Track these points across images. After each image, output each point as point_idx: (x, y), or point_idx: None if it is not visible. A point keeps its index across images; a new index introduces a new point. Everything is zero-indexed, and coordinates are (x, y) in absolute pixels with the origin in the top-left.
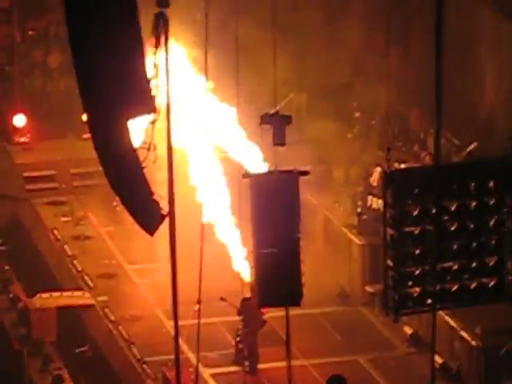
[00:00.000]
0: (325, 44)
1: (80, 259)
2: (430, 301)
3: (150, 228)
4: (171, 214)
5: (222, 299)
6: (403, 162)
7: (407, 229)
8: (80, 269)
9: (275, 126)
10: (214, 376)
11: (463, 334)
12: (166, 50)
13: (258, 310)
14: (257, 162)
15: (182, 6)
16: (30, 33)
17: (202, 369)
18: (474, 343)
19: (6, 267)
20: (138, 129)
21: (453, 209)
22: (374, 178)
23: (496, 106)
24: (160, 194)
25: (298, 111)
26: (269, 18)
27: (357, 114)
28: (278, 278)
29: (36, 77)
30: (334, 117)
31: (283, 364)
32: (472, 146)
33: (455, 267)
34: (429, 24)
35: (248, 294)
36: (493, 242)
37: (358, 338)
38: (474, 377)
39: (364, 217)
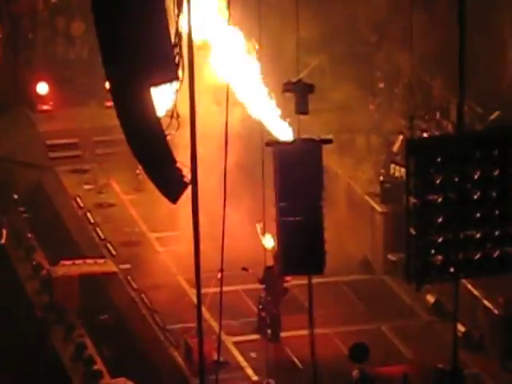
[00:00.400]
0: (348, 7)
1: (103, 227)
2: (452, 269)
3: (173, 196)
4: (194, 181)
5: (244, 269)
6: (426, 130)
7: (430, 197)
8: (103, 237)
9: (298, 94)
10: (236, 344)
11: (486, 302)
12: (189, 17)
13: (280, 278)
14: (283, 128)
15: None
16: (53, 0)
17: (224, 337)
18: (496, 312)
19: (29, 235)
20: (161, 96)
21: (476, 177)
22: (397, 147)
23: None
24: (183, 161)
25: (320, 78)
26: None
27: (381, 85)
28: (301, 246)
29: (58, 45)
30: (357, 84)
31: (306, 332)
32: (495, 115)
33: (478, 236)
34: None
35: (271, 262)
36: None
37: (381, 306)
38: (497, 345)
39: (387, 185)
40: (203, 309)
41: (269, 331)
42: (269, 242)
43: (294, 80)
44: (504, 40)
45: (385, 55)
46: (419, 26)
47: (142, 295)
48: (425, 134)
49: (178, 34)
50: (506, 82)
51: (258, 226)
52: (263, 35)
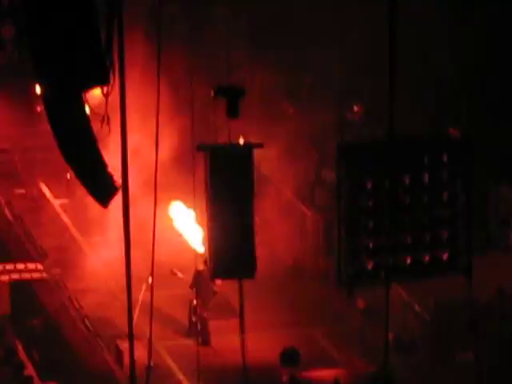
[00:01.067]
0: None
1: (33, 231)
2: (383, 274)
3: (104, 200)
4: (124, 186)
5: (173, 273)
6: (356, 135)
7: (361, 202)
8: (33, 241)
9: (229, 98)
10: (167, 348)
11: (416, 307)
12: (120, 21)
13: (211, 282)
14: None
15: None
16: None
17: (155, 341)
18: (426, 316)
19: None
20: (92, 100)
21: (407, 182)
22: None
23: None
24: (113, 166)
25: (250, 82)
26: None
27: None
28: (232, 250)
29: None
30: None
31: (237, 336)
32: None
33: (409, 240)
34: None
35: (201, 266)
36: (446, 215)
37: (312, 311)
38: (427, 349)
39: (318, 189)
40: (134, 313)
41: (199, 335)
42: (199, 245)
43: (225, 84)
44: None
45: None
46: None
47: (73, 300)
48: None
49: (109, 36)
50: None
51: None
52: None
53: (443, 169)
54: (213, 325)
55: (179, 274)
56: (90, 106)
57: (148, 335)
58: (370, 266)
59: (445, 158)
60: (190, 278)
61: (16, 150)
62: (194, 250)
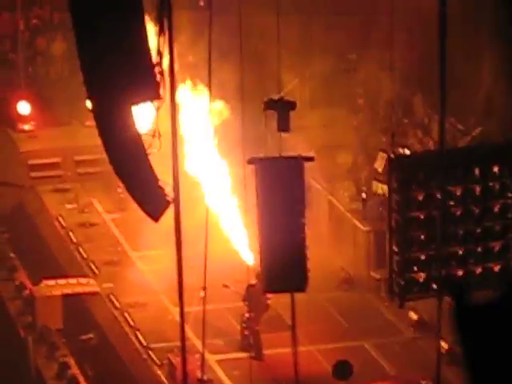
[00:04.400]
0: (328, 28)
1: (85, 246)
2: (435, 286)
3: (155, 214)
4: (176, 200)
5: (225, 286)
6: (407, 147)
7: (412, 214)
8: (85, 256)
9: (279, 111)
10: (219, 362)
11: None
12: (170, 36)
13: (262, 295)
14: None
15: None
16: (34, 21)
17: (207, 355)
18: None
19: (12, 255)
20: (143, 115)
21: (458, 194)
22: (379, 164)
23: (495, 90)
24: (165, 180)
25: (301, 97)
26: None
27: (360, 101)
28: (284, 263)
29: (40, 64)
30: (338, 103)
31: (289, 350)
32: (476, 131)
33: (460, 252)
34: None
35: (253, 280)
36: (498, 226)
37: (364, 324)
38: None
39: (369, 202)
40: (186, 327)
41: (252, 349)
42: (251, 259)
43: (276, 97)
44: (479, 54)
45: (365, 74)
46: (399, 42)
47: (125, 314)
48: (406, 151)
49: (159, 53)
50: (483, 97)
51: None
52: (244, 53)
53: (494, 180)
54: (265, 338)
55: (232, 288)
56: (140, 121)
57: (200, 349)
58: (421, 278)
59: (495, 169)
60: (242, 291)
61: (68, 164)
62: (246, 264)
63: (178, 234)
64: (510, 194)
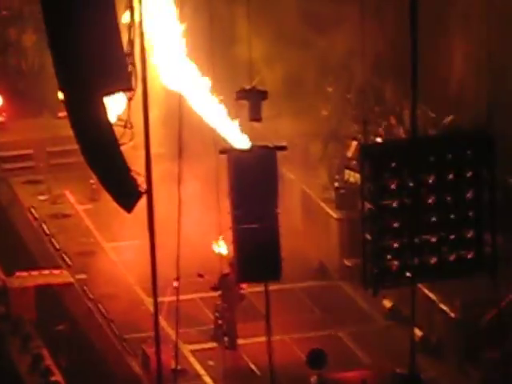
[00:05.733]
0: (299, 17)
1: (58, 237)
2: (408, 274)
3: (128, 205)
4: (149, 190)
5: (200, 275)
6: (379, 135)
7: (385, 202)
8: (58, 247)
9: (251, 101)
10: (193, 352)
11: (442, 306)
12: (142, 27)
13: (236, 285)
14: (238, 137)
15: None
16: (4, 12)
17: (181, 345)
18: (453, 315)
19: None
20: (114, 106)
21: (430, 182)
22: (351, 152)
23: (467, 78)
24: (138, 170)
25: (272, 86)
26: None
27: (330, 89)
28: (258, 253)
29: (10, 56)
30: (310, 92)
31: (263, 339)
32: (448, 119)
33: (433, 240)
34: None
35: (227, 270)
36: (470, 214)
37: (338, 312)
38: (454, 349)
39: (341, 191)
40: (160, 317)
41: (226, 339)
42: (224, 249)
43: (247, 87)
44: (450, 42)
45: (336, 62)
46: (369, 30)
47: (99, 305)
48: (378, 139)
49: (131, 43)
50: (454, 85)
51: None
52: (215, 42)
53: (467, 167)
54: (239, 328)
55: (206, 277)
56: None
57: (174, 339)
58: (394, 266)
59: (468, 157)
60: (216, 280)
61: (40, 155)
62: (220, 253)
63: (151, 225)
64: (482, 182)
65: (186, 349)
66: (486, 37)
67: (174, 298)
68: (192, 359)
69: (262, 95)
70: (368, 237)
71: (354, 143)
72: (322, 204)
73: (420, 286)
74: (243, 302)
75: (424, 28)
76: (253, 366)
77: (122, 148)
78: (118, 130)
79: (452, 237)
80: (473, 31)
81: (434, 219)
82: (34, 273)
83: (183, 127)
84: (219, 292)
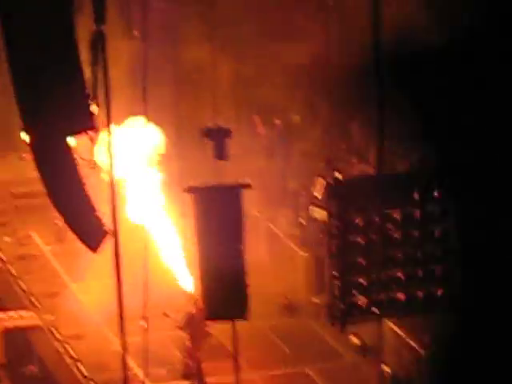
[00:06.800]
0: (262, 57)
1: (25, 279)
2: (376, 310)
3: (93, 245)
4: (115, 230)
5: (165, 315)
6: (343, 172)
7: (352, 239)
8: (25, 288)
9: (216, 140)
10: None
11: (411, 342)
12: (105, 67)
13: (202, 323)
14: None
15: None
16: None
17: None
18: (422, 352)
19: None
20: (79, 146)
21: (397, 218)
22: (317, 189)
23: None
24: (102, 210)
25: (237, 122)
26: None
27: (296, 118)
28: (224, 291)
29: None
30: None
31: (232, 377)
32: (415, 156)
33: (401, 276)
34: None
35: (192, 308)
36: (438, 251)
37: (306, 349)
38: None
39: (307, 228)
40: (128, 357)
41: (194, 378)
42: (191, 287)
43: (211, 126)
44: None
45: (301, 99)
46: (335, 65)
47: (66, 346)
48: (344, 177)
49: (94, 83)
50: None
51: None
52: (180, 82)
53: (434, 203)
54: (207, 366)
55: (171, 316)
56: (77, 152)
57: (143, 378)
58: (362, 302)
59: (435, 193)
60: (182, 319)
61: (5, 197)
62: (186, 292)
63: (118, 265)
64: (449, 218)
65: None
66: None
67: (141, 337)
68: None
69: (227, 133)
70: (335, 273)
71: (320, 180)
72: (288, 241)
73: (388, 321)
74: (210, 340)
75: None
76: None
77: (87, 188)
78: (82, 170)
79: (420, 273)
80: None
81: (400, 255)
82: (2, 315)
83: None
84: (186, 331)
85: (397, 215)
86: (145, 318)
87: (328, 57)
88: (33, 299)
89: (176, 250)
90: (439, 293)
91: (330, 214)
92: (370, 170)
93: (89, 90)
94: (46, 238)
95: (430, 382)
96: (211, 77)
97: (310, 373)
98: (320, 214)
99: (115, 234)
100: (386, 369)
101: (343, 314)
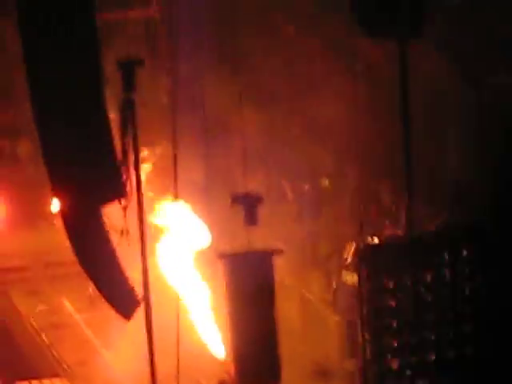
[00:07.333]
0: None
1: (57, 347)
2: (409, 372)
3: (127, 314)
4: (146, 298)
5: (199, 383)
6: (375, 235)
7: (383, 302)
8: (57, 356)
9: (246, 206)
10: None
11: None
12: (134, 135)
13: None
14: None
15: (147, 90)
16: None
17: None
18: None
19: None
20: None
21: (428, 280)
22: (348, 253)
23: (461, 172)
24: (135, 278)
25: (268, 188)
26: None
27: (326, 182)
28: (256, 357)
29: (4, 166)
30: None
31: None
32: (444, 215)
33: (432, 337)
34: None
35: (224, 376)
36: (468, 310)
37: None
38: None
39: (339, 292)
40: None
41: None
42: (222, 354)
43: (242, 192)
44: (445, 142)
45: (331, 163)
46: (362, 129)
47: None
48: (375, 239)
49: (124, 151)
50: (449, 179)
51: None
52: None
53: (464, 264)
54: None
55: None
56: (108, 220)
57: None
58: (395, 365)
59: (464, 253)
60: None
61: (37, 266)
62: (218, 359)
63: (150, 333)
64: (480, 277)
65: None
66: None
67: None
68: None
69: (258, 200)
70: (367, 337)
71: (351, 244)
72: (320, 306)
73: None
74: None
75: (417, 125)
76: None
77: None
78: (114, 238)
79: (451, 334)
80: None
81: (432, 317)
82: (35, 382)
83: None
84: None
85: (428, 277)
86: None
87: (356, 120)
88: (65, 367)
89: (208, 317)
90: (469, 353)
91: (361, 278)
92: (401, 232)
93: (120, 157)
94: (79, 306)
95: None
96: (241, 144)
97: None
98: (351, 277)
99: (147, 301)
100: None
101: (377, 378)
